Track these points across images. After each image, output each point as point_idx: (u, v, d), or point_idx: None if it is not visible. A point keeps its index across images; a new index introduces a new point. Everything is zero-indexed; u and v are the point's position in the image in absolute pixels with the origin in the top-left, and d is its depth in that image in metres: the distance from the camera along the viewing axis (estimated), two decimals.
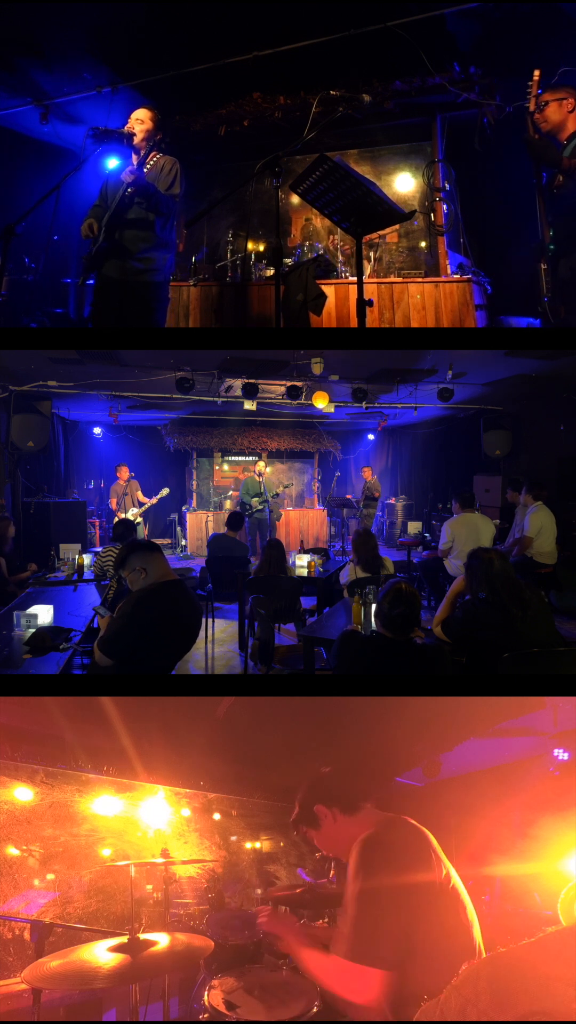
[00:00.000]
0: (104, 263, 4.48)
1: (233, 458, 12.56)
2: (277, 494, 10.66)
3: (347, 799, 2.11)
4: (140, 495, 10.21)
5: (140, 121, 4.41)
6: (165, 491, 10.16)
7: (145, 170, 4.41)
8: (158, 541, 7.26)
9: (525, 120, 4.21)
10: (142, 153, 4.43)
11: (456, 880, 1.87)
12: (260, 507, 10.10)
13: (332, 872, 4.49)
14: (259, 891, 4.30)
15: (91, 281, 4.58)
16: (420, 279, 5.83)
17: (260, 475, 10.45)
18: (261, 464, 10.67)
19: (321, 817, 2.12)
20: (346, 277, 6.08)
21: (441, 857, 1.87)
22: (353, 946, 1.73)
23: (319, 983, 1.90)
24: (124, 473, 10.23)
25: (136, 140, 4.40)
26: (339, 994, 1.76)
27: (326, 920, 3.61)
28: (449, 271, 5.84)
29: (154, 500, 10.05)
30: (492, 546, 5.79)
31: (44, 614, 3.81)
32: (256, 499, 10.14)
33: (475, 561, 3.29)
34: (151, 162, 4.45)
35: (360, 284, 3.73)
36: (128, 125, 4.40)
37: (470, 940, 1.80)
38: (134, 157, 4.45)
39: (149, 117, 4.42)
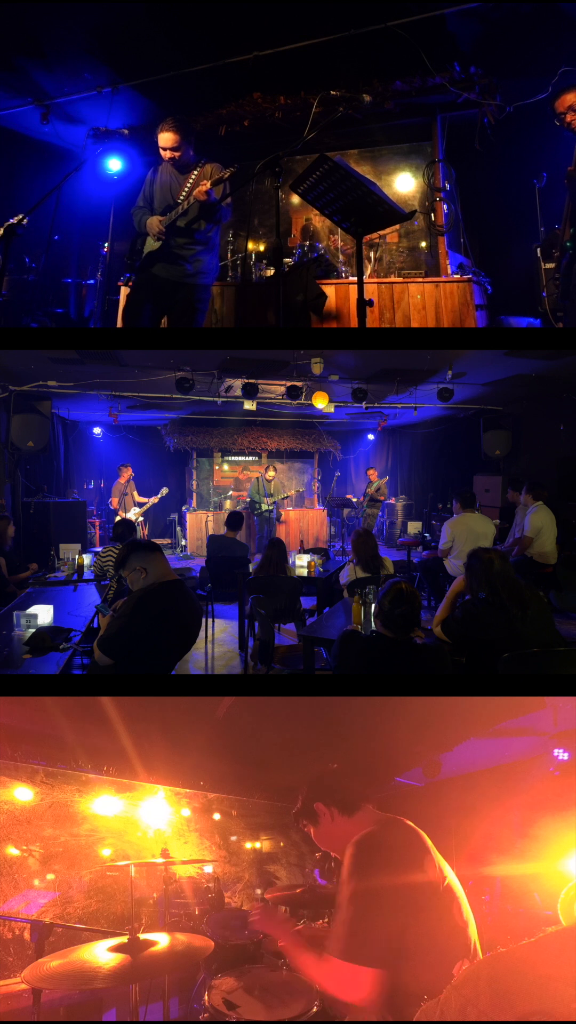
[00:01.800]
0: (154, 265, 4.60)
1: (233, 458, 12.56)
2: (288, 496, 10.88)
3: (347, 799, 2.12)
4: (136, 495, 10.30)
5: (171, 145, 4.48)
6: (165, 491, 10.22)
7: (192, 177, 4.50)
8: (158, 541, 7.26)
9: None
10: (189, 168, 4.53)
11: (452, 880, 1.88)
12: (269, 507, 10.26)
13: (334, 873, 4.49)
14: (259, 891, 4.30)
15: (90, 281, 4.63)
16: (420, 279, 5.82)
17: (266, 479, 10.63)
18: (272, 472, 10.83)
19: (320, 814, 2.14)
20: (346, 277, 6.08)
21: (436, 857, 1.88)
22: (346, 946, 1.75)
23: (313, 982, 1.92)
24: (127, 473, 10.31)
25: (177, 158, 4.51)
26: (333, 994, 1.78)
27: (326, 920, 3.61)
28: (449, 271, 5.83)
29: (154, 500, 10.12)
30: (492, 546, 5.79)
31: (44, 614, 3.81)
32: (267, 500, 10.32)
33: (475, 561, 3.29)
34: (197, 170, 4.55)
35: (360, 284, 3.73)
36: (164, 153, 4.49)
37: (465, 939, 1.81)
38: (171, 169, 4.59)
39: (175, 137, 4.47)
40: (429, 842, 1.91)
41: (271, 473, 10.89)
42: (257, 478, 10.95)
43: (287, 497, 11.00)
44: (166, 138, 4.49)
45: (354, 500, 11.38)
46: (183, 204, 4.48)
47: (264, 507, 10.35)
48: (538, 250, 5.16)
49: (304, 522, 11.95)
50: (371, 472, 11.67)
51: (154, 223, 4.54)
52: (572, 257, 4.15)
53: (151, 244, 4.61)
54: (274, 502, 10.43)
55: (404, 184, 6.29)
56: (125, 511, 10.14)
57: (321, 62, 5.21)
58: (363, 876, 1.81)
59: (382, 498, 11.20)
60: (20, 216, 3.76)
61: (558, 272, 4.24)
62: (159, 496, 10.18)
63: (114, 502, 10.28)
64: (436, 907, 1.79)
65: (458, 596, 3.52)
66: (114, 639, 2.95)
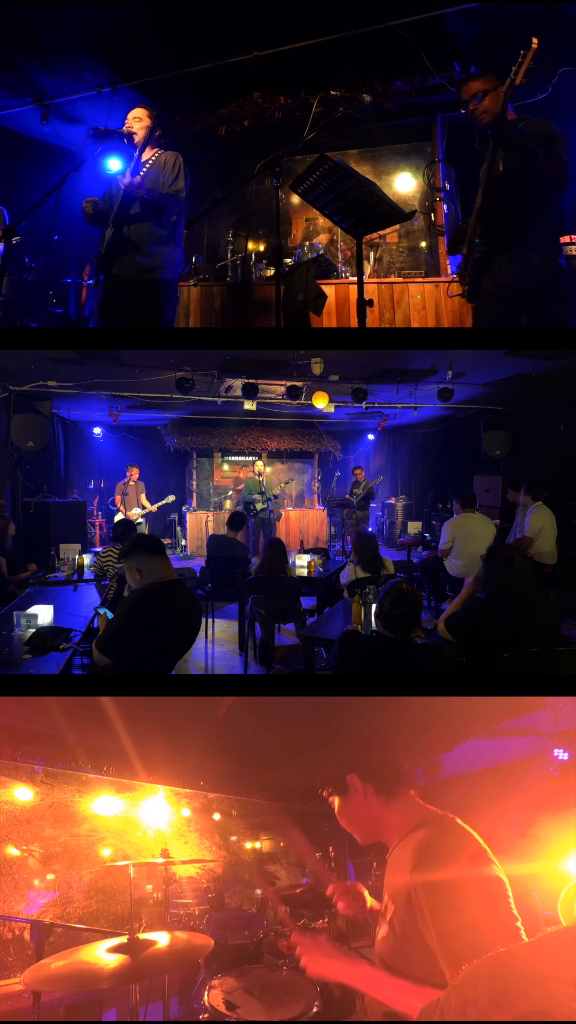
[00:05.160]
0: (113, 262, 4.47)
1: (233, 458, 12.56)
2: (275, 495, 10.72)
3: (388, 778, 1.87)
4: (144, 498, 10.36)
5: (137, 120, 4.41)
6: (171, 498, 10.27)
7: (143, 169, 4.40)
8: None
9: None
10: (141, 152, 4.43)
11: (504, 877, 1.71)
12: (264, 506, 10.15)
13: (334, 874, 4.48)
14: (259, 891, 4.30)
15: (89, 281, 4.58)
16: (420, 279, 5.83)
17: (260, 475, 10.49)
18: (260, 464, 10.72)
19: (352, 789, 1.89)
20: (346, 277, 6.08)
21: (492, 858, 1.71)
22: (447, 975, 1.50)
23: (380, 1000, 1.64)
24: (134, 474, 10.37)
25: (136, 140, 4.41)
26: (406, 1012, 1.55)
27: (325, 920, 3.61)
28: (449, 271, 5.84)
29: (156, 507, 10.23)
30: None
31: (44, 614, 3.81)
32: (259, 497, 10.19)
33: (495, 558, 3.29)
34: (150, 160, 4.45)
35: (360, 284, 3.73)
36: (126, 125, 4.40)
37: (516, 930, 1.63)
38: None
39: (145, 115, 4.42)
40: (481, 841, 1.75)
41: (260, 465, 10.60)
42: (250, 478, 10.65)
43: (275, 496, 10.70)
44: (138, 110, 4.40)
45: (353, 501, 11.34)
46: (119, 195, 4.34)
47: (259, 506, 10.21)
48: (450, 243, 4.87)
49: (304, 522, 11.95)
50: (358, 471, 11.26)
51: (87, 204, 4.40)
52: (483, 255, 3.86)
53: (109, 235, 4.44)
54: (267, 500, 10.18)
55: (404, 184, 6.30)
56: (128, 509, 10.21)
57: (321, 62, 5.21)
58: (439, 896, 1.58)
59: (373, 498, 11.10)
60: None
61: (466, 270, 4.04)
62: (163, 503, 10.28)
63: (117, 499, 10.34)
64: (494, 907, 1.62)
65: (471, 596, 3.52)
66: (112, 639, 2.95)
